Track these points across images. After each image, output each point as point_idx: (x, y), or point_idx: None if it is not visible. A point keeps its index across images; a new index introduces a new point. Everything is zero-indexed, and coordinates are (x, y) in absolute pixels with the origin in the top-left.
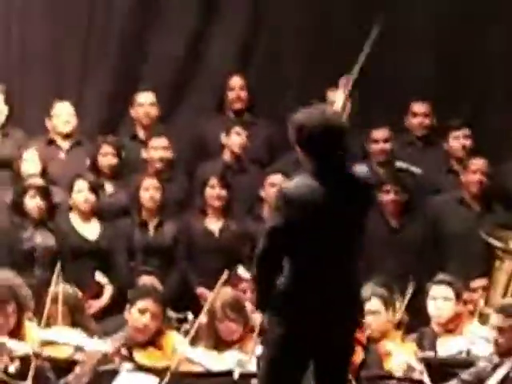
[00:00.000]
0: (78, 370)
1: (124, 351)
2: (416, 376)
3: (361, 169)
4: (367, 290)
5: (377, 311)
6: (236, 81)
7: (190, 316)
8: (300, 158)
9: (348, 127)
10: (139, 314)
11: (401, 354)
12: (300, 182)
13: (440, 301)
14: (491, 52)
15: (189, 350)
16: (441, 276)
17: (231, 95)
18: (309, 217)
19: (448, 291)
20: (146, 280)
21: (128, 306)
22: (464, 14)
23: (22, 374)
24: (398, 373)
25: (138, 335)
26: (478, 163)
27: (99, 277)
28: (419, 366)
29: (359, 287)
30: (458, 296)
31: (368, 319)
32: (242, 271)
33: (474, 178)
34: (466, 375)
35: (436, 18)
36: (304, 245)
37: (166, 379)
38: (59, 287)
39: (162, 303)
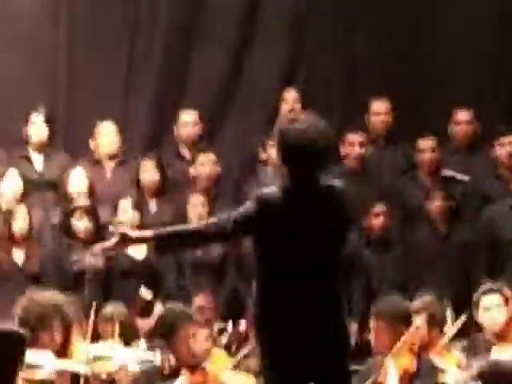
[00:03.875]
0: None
1: (173, 361)
2: None
3: (337, 186)
4: (415, 303)
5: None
6: (291, 93)
7: (230, 327)
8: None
9: (331, 145)
10: (183, 339)
11: (455, 371)
12: (275, 192)
13: (494, 310)
14: None
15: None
16: (488, 285)
17: (285, 108)
18: (272, 227)
19: (498, 298)
20: (201, 300)
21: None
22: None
23: None
24: None
25: (185, 359)
26: None
27: (144, 292)
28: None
29: (341, 312)
30: (506, 300)
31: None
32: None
33: None
34: None
35: None
36: (269, 262)
37: None
38: (111, 306)
39: (206, 325)
